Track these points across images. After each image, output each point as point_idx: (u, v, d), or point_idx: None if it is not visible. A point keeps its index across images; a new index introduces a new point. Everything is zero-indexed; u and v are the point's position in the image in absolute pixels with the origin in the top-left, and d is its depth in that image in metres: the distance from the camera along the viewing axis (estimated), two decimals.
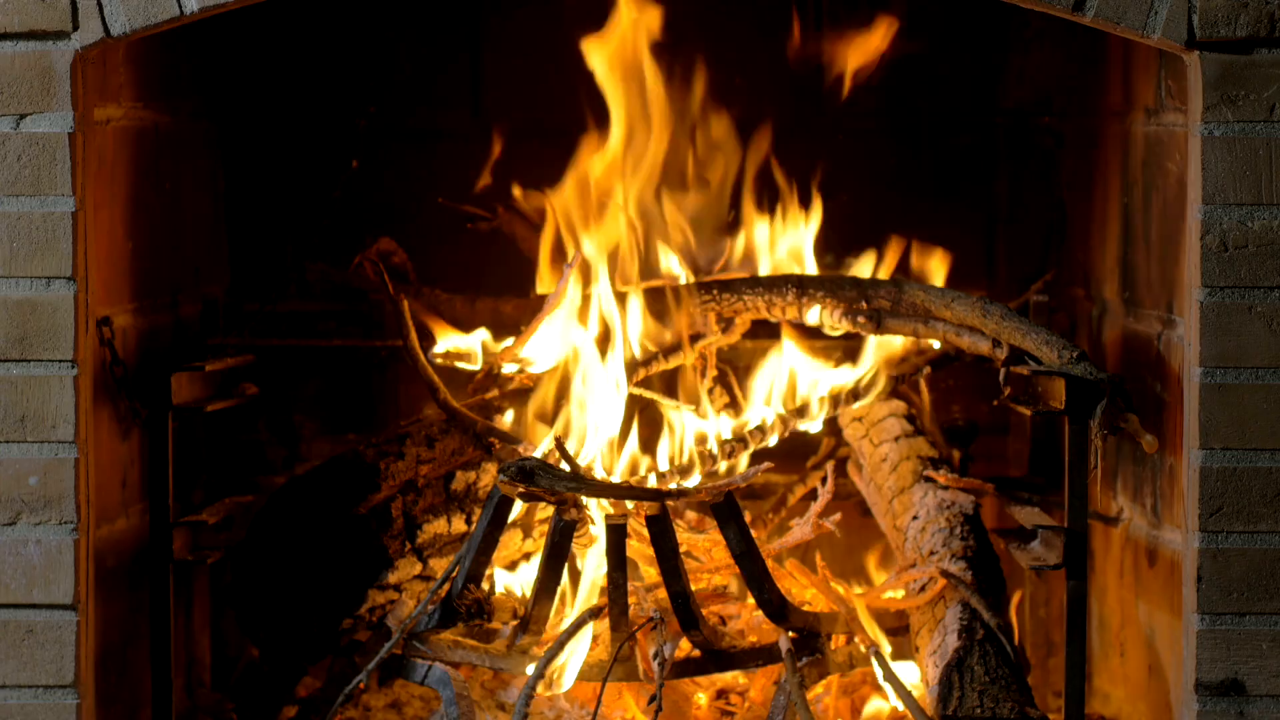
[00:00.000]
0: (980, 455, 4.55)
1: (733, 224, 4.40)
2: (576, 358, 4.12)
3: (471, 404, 4.14)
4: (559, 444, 3.79)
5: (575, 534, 3.72)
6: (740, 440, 4.19)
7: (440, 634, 3.78)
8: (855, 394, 4.31)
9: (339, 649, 3.90)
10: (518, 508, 3.87)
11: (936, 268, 4.37)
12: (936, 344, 4.32)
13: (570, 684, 3.72)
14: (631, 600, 3.73)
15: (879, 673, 3.80)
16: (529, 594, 3.79)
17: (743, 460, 4.21)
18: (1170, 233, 3.80)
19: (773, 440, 4.25)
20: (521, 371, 4.17)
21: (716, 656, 3.80)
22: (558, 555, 3.70)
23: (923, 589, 3.98)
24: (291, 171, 4.60)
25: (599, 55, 4.24)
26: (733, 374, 4.41)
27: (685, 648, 3.76)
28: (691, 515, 4.13)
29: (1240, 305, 3.54)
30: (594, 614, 3.73)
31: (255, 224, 4.58)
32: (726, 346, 4.33)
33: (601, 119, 4.27)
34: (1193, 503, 3.56)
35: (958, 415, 4.63)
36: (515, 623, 3.82)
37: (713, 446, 4.16)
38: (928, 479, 4.20)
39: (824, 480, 4.14)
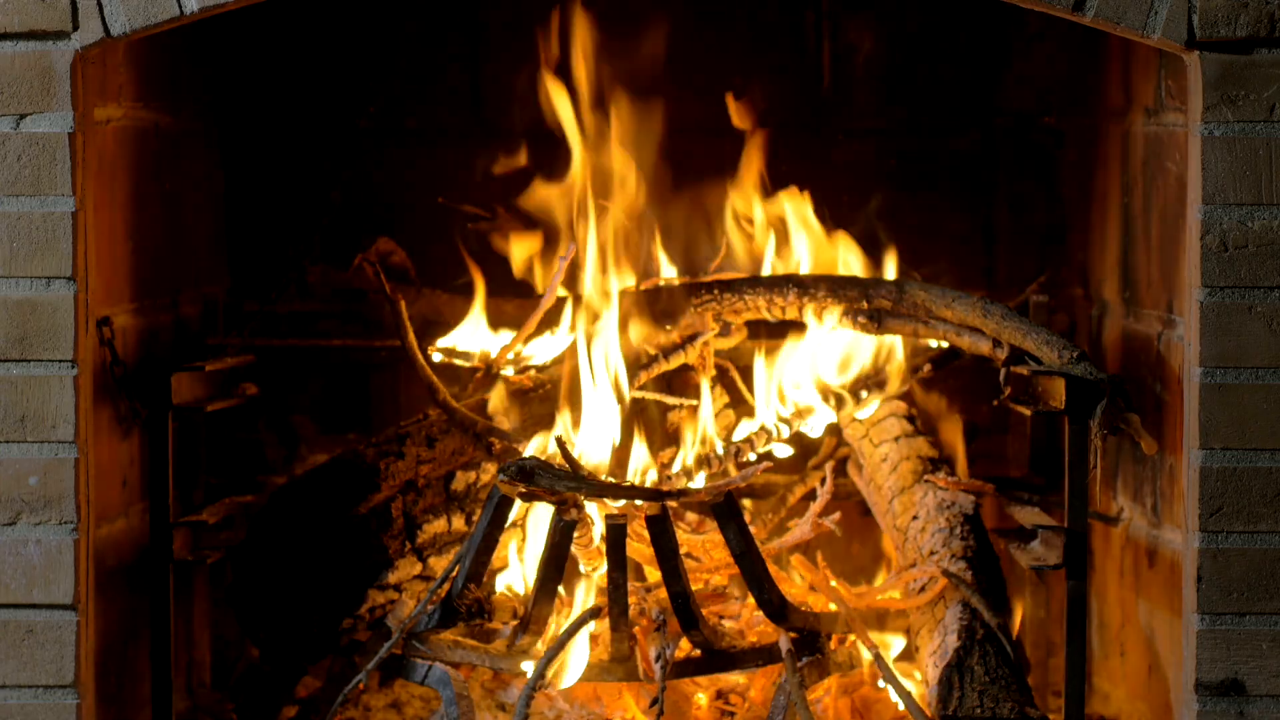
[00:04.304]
0: (980, 455, 4.55)
1: (730, 225, 4.40)
2: (577, 359, 4.11)
3: (471, 404, 4.14)
4: (560, 444, 3.79)
5: (575, 534, 3.72)
6: (747, 441, 4.19)
7: (440, 634, 3.77)
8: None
9: (339, 649, 3.90)
10: (518, 508, 3.87)
11: None
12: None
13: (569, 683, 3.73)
14: (631, 600, 3.73)
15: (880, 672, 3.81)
16: (529, 594, 3.80)
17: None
18: (1170, 233, 3.80)
19: (783, 452, 4.25)
20: (522, 372, 4.17)
21: (716, 656, 3.80)
22: (558, 555, 3.70)
23: (923, 589, 3.98)
24: (291, 172, 4.60)
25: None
26: (735, 371, 4.41)
27: (685, 648, 3.76)
28: (692, 516, 4.12)
29: (1240, 305, 3.53)
30: (594, 614, 3.73)
31: (255, 224, 4.58)
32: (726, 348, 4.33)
33: (600, 119, 4.27)
34: (1193, 503, 3.56)
35: (958, 415, 4.63)
36: (515, 623, 3.82)
37: (717, 448, 4.16)
38: (927, 480, 4.20)
39: (824, 480, 4.14)
